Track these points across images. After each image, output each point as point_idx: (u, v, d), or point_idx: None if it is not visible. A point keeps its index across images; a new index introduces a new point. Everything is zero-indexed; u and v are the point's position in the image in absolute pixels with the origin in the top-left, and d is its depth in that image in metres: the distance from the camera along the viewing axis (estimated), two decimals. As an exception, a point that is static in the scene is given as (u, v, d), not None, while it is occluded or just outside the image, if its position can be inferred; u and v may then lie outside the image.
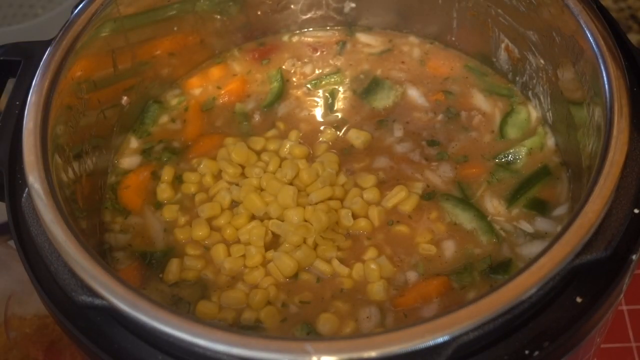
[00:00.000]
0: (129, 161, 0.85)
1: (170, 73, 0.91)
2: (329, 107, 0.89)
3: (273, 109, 0.89)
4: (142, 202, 0.81)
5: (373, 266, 0.73)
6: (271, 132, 0.86)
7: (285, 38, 0.96)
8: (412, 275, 0.73)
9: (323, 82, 0.91)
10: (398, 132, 0.85)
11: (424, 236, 0.76)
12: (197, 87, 0.91)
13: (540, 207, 0.77)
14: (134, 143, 0.86)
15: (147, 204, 0.81)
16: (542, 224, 0.76)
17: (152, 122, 0.88)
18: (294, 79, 0.92)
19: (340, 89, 0.91)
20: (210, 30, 0.91)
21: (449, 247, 0.75)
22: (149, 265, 0.76)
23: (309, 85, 0.91)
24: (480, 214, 0.77)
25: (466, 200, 0.78)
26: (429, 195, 0.79)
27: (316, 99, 0.90)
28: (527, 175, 0.80)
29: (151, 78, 0.88)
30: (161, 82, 0.90)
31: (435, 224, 0.77)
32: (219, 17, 0.90)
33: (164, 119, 0.88)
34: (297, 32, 0.96)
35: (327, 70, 0.92)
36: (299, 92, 0.91)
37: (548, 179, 0.79)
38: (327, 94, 0.90)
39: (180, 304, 0.72)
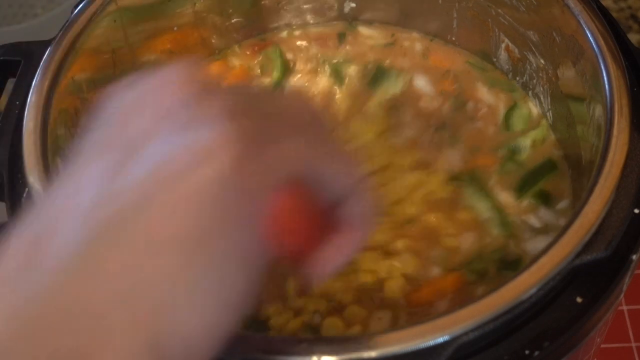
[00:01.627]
0: None
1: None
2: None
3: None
4: None
5: (396, 263, 0.72)
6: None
7: (284, 34, 0.95)
8: (433, 270, 0.72)
9: (327, 72, 0.90)
10: (407, 119, 0.84)
11: (444, 227, 0.75)
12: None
13: (546, 200, 0.76)
14: None
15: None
16: (545, 215, 0.75)
17: None
18: (296, 69, 0.91)
19: (346, 78, 0.90)
20: (209, 28, 0.91)
21: (467, 239, 0.74)
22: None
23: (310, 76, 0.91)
24: (496, 205, 0.76)
25: (484, 190, 0.77)
26: (446, 183, 0.78)
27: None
28: (533, 167, 0.79)
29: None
30: None
31: (454, 214, 0.76)
32: (218, 15, 0.90)
33: None
34: (298, 28, 0.96)
35: (331, 61, 0.92)
36: (299, 82, 0.90)
37: (553, 172, 0.78)
38: (331, 84, 0.89)
39: None
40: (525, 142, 0.81)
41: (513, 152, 0.81)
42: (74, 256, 0.35)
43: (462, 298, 0.70)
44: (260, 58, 0.92)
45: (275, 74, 0.89)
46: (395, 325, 0.69)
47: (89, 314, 0.34)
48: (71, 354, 0.33)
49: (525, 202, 0.76)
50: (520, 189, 0.77)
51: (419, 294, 0.71)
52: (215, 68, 0.92)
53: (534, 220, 0.75)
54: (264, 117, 0.40)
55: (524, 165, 0.79)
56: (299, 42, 0.94)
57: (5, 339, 0.33)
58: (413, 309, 0.70)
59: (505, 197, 0.77)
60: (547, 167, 0.79)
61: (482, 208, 0.76)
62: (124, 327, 0.34)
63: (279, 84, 0.89)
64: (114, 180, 0.37)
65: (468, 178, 0.78)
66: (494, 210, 0.75)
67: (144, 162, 0.37)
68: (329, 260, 0.44)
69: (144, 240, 0.35)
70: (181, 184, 0.36)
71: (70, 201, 0.37)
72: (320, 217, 0.43)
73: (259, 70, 0.91)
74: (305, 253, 0.43)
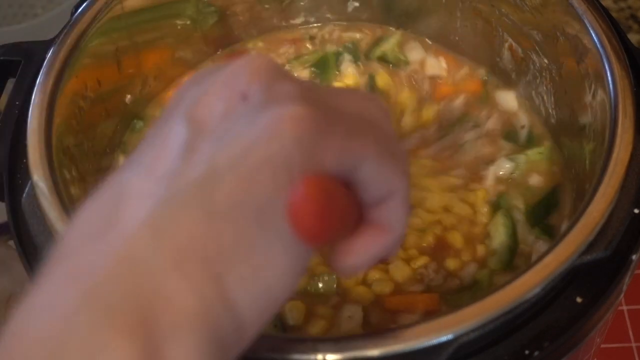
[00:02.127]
0: None
1: (170, 77, 0.90)
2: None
3: None
4: None
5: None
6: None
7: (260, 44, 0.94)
8: (415, 285, 0.71)
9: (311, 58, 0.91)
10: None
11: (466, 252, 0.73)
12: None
13: (550, 232, 0.74)
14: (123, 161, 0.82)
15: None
16: (543, 247, 0.73)
17: (139, 137, 0.85)
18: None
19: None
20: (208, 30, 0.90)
21: (471, 268, 0.72)
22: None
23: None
24: (516, 246, 0.73)
25: (514, 227, 0.74)
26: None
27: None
28: (543, 196, 0.77)
29: (155, 75, 0.87)
30: (151, 97, 0.88)
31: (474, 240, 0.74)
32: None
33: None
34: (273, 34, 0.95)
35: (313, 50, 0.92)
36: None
37: (557, 199, 0.77)
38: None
39: None
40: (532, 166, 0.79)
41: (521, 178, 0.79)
42: (142, 221, 0.38)
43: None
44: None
45: None
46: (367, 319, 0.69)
47: (151, 274, 0.37)
48: (135, 310, 0.36)
49: (533, 237, 0.75)
50: (535, 222, 0.75)
51: (391, 299, 0.70)
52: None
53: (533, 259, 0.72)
54: (332, 108, 0.42)
55: (535, 191, 0.77)
56: (282, 49, 0.93)
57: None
58: (377, 310, 0.70)
59: (523, 232, 0.75)
60: (555, 196, 0.77)
61: (499, 242, 0.73)
62: (183, 292, 0.37)
63: None
64: (188, 156, 0.40)
65: (504, 208, 0.76)
66: (509, 249, 0.73)
67: (217, 139, 0.40)
68: (356, 253, 0.46)
69: (209, 210, 0.38)
70: (249, 158, 0.39)
71: (146, 172, 0.41)
72: (354, 210, 0.45)
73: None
74: (334, 240, 0.45)
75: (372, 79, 0.88)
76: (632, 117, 0.62)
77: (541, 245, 0.74)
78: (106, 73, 0.79)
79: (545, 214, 0.76)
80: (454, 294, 0.70)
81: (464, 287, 0.71)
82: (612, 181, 0.59)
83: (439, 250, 0.74)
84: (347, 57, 0.90)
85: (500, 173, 0.79)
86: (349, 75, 0.88)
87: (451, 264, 0.73)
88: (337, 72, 0.89)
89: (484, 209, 0.76)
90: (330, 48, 0.91)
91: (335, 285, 0.71)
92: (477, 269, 0.72)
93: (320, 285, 0.71)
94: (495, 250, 0.73)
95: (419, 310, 0.69)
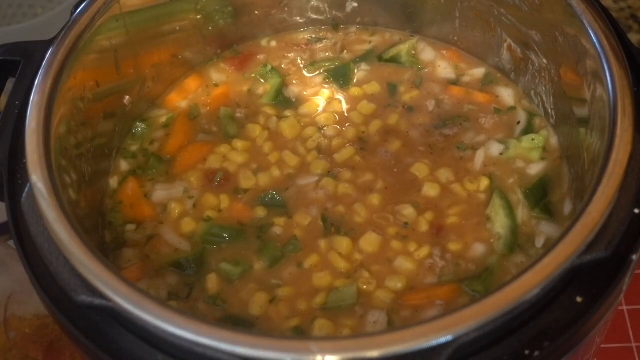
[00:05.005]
0: (118, 180, 0.82)
1: (165, 81, 0.90)
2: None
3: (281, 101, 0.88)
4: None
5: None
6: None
7: (264, 42, 0.95)
8: (433, 279, 0.72)
9: (326, 64, 0.91)
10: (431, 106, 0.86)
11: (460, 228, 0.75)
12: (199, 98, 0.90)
13: (550, 211, 0.76)
14: (124, 166, 0.83)
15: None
16: (547, 228, 0.75)
17: (140, 141, 0.85)
18: (291, 71, 0.91)
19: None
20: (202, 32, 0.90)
21: (478, 250, 0.74)
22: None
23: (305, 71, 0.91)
24: (516, 226, 0.75)
25: (510, 208, 0.76)
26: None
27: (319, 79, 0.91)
28: (540, 179, 0.79)
29: (153, 76, 0.87)
30: (150, 99, 0.88)
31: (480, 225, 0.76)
32: (221, 20, 0.90)
33: (153, 135, 0.86)
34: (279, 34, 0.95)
35: (325, 55, 0.93)
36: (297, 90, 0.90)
37: (555, 181, 0.78)
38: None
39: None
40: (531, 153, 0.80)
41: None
42: None
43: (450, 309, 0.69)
44: (252, 75, 0.91)
45: (272, 88, 0.89)
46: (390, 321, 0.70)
47: None
48: None
49: (534, 219, 0.76)
50: (535, 205, 0.76)
51: (410, 297, 0.71)
52: (192, 83, 0.90)
53: (539, 241, 0.74)
54: None
55: (532, 176, 0.79)
56: (287, 54, 0.93)
57: None
58: (401, 311, 0.70)
59: (522, 215, 0.76)
60: (552, 177, 0.78)
61: (502, 224, 0.75)
62: None
63: (278, 96, 0.88)
64: None
65: (498, 189, 0.77)
66: (511, 230, 0.74)
67: None
68: None
69: None
70: None
71: None
72: None
73: (246, 87, 0.90)
74: None
75: (392, 87, 0.88)
76: (631, 116, 0.62)
77: (544, 226, 0.75)
78: (104, 73, 0.79)
79: (544, 194, 0.77)
80: (469, 282, 0.71)
81: (477, 274, 0.72)
82: (611, 181, 0.59)
83: (438, 236, 0.75)
84: (363, 67, 0.91)
85: (490, 153, 0.80)
86: (367, 83, 0.89)
87: (454, 246, 0.74)
88: (355, 80, 0.90)
89: (476, 186, 0.78)
90: (347, 55, 0.92)
91: (356, 296, 0.71)
92: (486, 252, 0.73)
93: (341, 298, 0.71)
94: (500, 234, 0.74)
95: (439, 304, 0.70)
